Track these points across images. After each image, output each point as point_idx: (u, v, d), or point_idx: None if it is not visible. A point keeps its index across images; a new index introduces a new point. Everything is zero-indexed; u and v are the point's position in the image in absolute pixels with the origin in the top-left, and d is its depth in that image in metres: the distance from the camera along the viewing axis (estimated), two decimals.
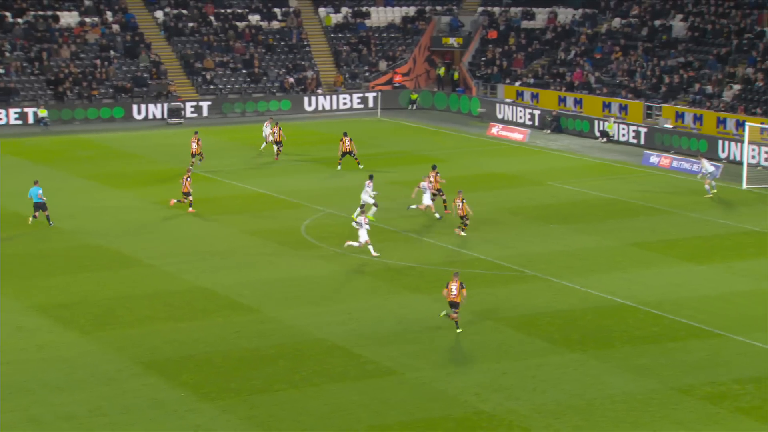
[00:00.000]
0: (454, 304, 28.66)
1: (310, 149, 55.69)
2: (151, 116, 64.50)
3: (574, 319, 29.86)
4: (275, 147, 52.68)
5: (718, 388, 24.93)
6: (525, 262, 35.06)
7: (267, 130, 53.89)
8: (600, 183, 47.38)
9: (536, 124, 61.74)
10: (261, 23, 73.04)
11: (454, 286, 28.60)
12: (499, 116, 63.79)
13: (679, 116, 56.75)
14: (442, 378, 25.77)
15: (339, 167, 49.98)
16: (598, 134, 58.48)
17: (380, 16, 75.77)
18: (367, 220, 35.57)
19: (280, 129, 52.83)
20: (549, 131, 60.51)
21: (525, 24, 72.60)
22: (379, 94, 68.59)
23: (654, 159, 51.61)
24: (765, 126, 50.38)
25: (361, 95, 69.10)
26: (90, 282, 33.32)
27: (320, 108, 67.90)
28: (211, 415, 23.97)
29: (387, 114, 66.57)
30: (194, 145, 49.53)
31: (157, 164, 52.02)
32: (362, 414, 24.01)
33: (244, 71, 69.55)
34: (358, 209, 36.67)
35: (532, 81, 66.55)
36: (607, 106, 60.47)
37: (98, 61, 66.74)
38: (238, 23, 72.43)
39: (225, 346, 27.98)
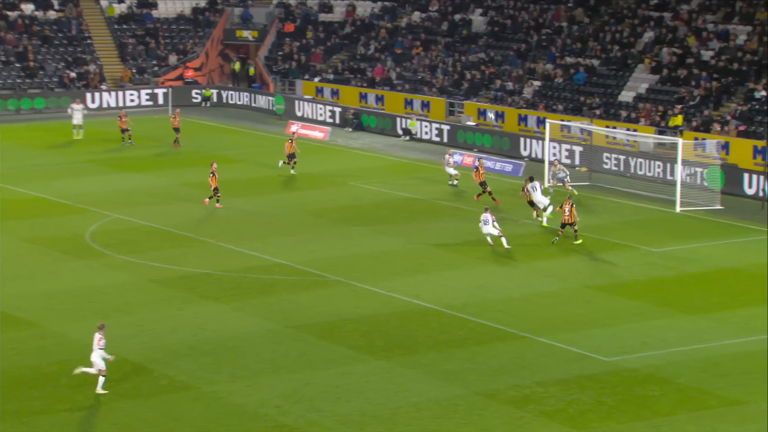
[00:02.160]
0: (564, 225, 36.73)
1: (95, 149, 54.36)
2: None
3: (379, 324, 30.34)
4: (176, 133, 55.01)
5: (522, 392, 25.84)
6: (327, 267, 35.36)
7: (74, 118, 56.19)
8: (403, 183, 48.28)
9: (337, 121, 62.33)
10: (36, 13, 70.74)
11: (567, 208, 36.54)
12: (299, 114, 64.05)
13: (482, 113, 58.50)
14: (241, 391, 25.70)
15: (293, 171, 48.87)
16: (400, 132, 59.58)
17: (168, 7, 74.71)
18: (494, 217, 37.46)
19: (178, 117, 55.34)
20: (350, 129, 61.20)
21: (323, 17, 73.16)
22: (170, 90, 67.62)
23: (457, 157, 52.99)
24: (565, 123, 52.57)
25: (149, 91, 67.95)
26: None
27: (105, 105, 66.37)
28: None
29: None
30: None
31: None
32: None
33: (18, 65, 67.24)
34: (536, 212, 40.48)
35: (331, 77, 67.12)
36: (409, 103, 61.68)
37: None
38: (9, 12, 69.92)
39: (1, 364, 27.02)
